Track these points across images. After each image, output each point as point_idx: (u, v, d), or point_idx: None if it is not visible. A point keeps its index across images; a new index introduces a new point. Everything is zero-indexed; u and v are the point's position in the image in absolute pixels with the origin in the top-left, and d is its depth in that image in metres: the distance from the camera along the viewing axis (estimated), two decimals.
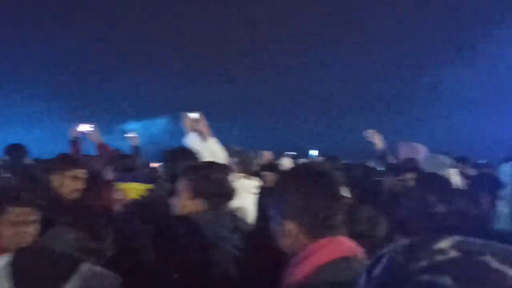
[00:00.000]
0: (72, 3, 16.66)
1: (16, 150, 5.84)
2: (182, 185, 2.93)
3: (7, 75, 16.47)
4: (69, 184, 3.63)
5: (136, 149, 6.21)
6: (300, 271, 1.64)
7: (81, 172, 3.71)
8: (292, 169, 2.09)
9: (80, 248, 2.30)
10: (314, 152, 9.61)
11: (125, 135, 6.38)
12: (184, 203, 2.88)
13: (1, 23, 16.08)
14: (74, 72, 17.13)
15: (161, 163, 6.25)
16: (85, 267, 2.21)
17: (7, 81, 16.52)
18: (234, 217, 3.03)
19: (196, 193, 2.86)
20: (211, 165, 3.11)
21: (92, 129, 5.68)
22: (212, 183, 2.88)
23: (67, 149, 5.62)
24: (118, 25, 16.82)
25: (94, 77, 17.28)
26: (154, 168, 6.37)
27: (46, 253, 2.25)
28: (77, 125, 5.64)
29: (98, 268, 2.25)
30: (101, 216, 2.64)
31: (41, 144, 7.69)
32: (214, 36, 17.51)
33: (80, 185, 3.66)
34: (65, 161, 3.82)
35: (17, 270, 2.16)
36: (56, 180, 3.64)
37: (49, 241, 2.30)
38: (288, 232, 1.73)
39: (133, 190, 4.01)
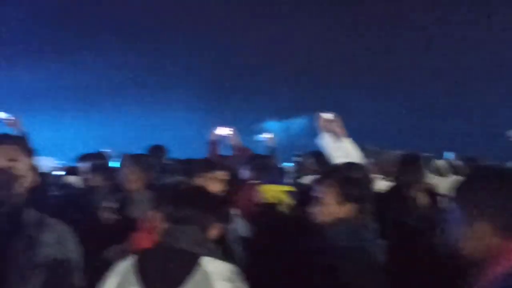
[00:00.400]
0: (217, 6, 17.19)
1: (157, 150, 6.15)
2: (324, 190, 2.78)
3: (150, 78, 17.34)
4: (210, 187, 3.52)
5: (271, 149, 6.26)
6: (494, 272, 1.57)
7: (222, 175, 3.72)
8: (480, 170, 1.99)
9: (199, 243, 2.34)
10: (450, 154, 9.17)
11: (261, 135, 6.44)
12: (332, 209, 2.73)
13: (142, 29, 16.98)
14: (214, 71, 17.65)
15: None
16: (205, 261, 2.27)
17: (150, 83, 17.38)
18: (374, 219, 2.93)
19: (345, 198, 2.72)
20: (352, 166, 3.01)
21: (231, 132, 5.80)
22: (359, 185, 2.78)
23: (204, 151, 5.80)
24: (263, 25, 17.08)
25: (235, 76, 17.65)
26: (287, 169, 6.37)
27: (167, 250, 2.33)
28: (216, 128, 5.77)
29: (218, 262, 2.29)
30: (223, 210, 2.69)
31: (180, 145, 8.01)
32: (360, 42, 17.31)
33: (221, 187, 3.65)
34: (206, 164, 3.86)
35: (142, 268, 2.29)
36: (197, 183, 3.60)
37: (170, 239, 2.37)
38: (478, 234, 1.66)
39: (271, 191, 4.05)
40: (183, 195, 2.60)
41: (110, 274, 2.36)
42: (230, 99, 17.56)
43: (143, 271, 2.29)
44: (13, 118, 4.96)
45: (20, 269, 2.30)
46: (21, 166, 2.46)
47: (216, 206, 2.54)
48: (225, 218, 2.64)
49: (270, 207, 3.97)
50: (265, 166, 4.96)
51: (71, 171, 6.25)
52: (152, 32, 16.93)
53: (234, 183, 3.91)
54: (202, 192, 2.67)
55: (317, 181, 2.91)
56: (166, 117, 16.94)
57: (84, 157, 4.54)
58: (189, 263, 2.26)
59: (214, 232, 2.45)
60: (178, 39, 17.08)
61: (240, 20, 17.13)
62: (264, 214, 3.89)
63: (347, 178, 2.81)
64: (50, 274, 2.34)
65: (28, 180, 2.50)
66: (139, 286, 2.25)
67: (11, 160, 2.44)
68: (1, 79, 15.31)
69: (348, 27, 17.21)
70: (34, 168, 2.62)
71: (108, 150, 7.12)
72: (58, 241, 2.42)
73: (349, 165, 3.11)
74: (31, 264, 2.31)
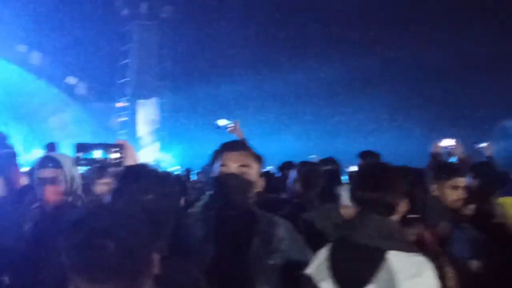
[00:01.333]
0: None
1: (368, 156, 5.99)
2: None
3: (354, 83, 17.39)
4: (450, 193, 3.54)
5: (490, 158, 5.88)
6: None
7: (461, 181, 3.61)
8: None
9: (385, 234, 2.22)
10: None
11: (478, 144, 6.01)
12: None
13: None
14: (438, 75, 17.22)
15: None
16: (391, 256, 2.16)
17: (355, 88, 17.42)
18: None
19: None
20: None
21: (453, 142, 5.52)
22: None
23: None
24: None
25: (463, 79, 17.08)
26: None
27: (352, 245, 2.25)
28: (440, 139, 5.53)
29: (405, 256, 2.16)
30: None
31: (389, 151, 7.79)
32: None
33: (460, 194, 3.55)
34: (445, 170, 3.74)
35: (333, 262, 2.26)
36: (435, 189, 3.59)
37: (353, 232, 2.29)
38: None
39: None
40: (365, 176, 2.49)
41: (311, 262, 2.36)
42: (455, 109, 16.85)
43: (334, 266, 2.25)
44: (233, 124, 5.12)
45: (260, 264, 2.41)
46: (252, 171, 2.55)
47: (398, 180, 2.39)
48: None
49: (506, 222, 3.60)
50: (486, 175, 4.70)
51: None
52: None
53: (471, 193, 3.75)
54: (383, 169, 2.52)
55: None
56: (374, 124, 16.74)
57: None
58: (375, 260, 2.17)
59: (402, 208, 2.37)
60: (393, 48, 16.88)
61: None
62: (503, 229, 3.53)
63: None
64: (287, 275, 2.42)
65: (258, 185, 2.60)
66: (332, 281, 2.23)
67: (243, 166, 2.52)
68: (221, 88, 16.40)
69: None
70: (261, 174, 2.66)
71: (315, 156, 7.14)
72: (290, 236, 2.53)
73: None
74: (270, 259, 2.44)
